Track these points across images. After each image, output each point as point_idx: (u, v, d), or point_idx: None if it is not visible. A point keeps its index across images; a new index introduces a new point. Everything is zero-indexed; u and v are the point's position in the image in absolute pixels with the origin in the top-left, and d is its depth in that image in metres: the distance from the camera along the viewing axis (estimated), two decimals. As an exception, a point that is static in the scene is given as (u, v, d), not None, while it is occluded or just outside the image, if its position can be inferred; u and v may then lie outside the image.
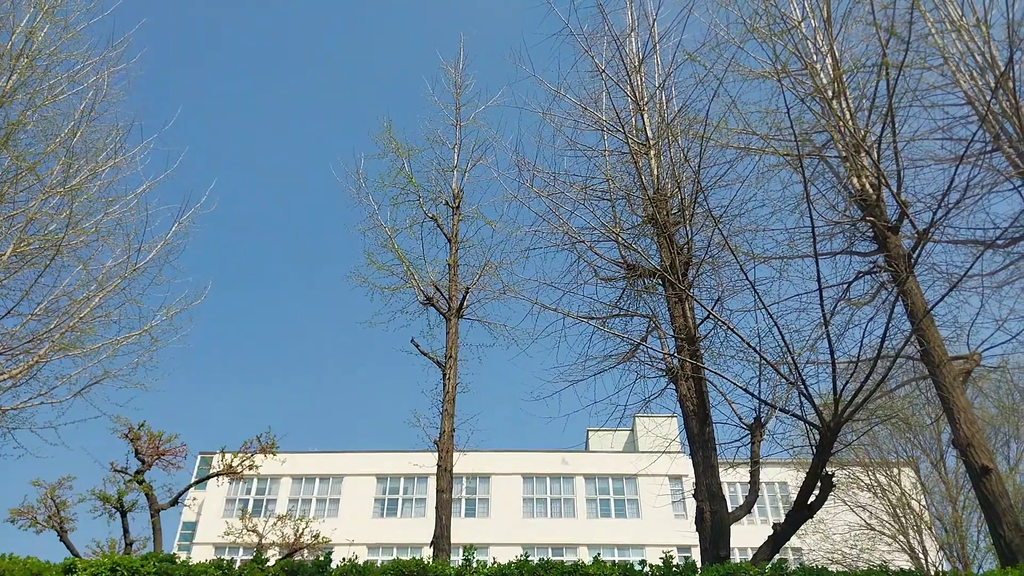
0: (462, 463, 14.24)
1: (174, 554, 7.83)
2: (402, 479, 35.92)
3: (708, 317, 9.86)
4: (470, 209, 16.10)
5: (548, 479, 36.22)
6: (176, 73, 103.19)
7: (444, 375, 13.73)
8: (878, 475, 20.60)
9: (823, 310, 8.45)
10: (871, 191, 10.19)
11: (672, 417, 22.76)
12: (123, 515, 18.10)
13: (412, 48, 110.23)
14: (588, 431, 40.46)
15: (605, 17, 11.85)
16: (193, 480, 21.25)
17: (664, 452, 18.34)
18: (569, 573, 7.48)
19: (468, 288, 14.66)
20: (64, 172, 11.33)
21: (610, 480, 35.98)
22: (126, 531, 18.20)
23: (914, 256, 9.49)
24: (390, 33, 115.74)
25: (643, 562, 7.62)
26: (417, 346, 14.56)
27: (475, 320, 15.12)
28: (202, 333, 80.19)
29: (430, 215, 15.76)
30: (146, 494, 18.05)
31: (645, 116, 11.71)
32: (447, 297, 14.68)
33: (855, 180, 10.44)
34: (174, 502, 18.51)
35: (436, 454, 13.10)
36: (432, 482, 32.31)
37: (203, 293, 12.83)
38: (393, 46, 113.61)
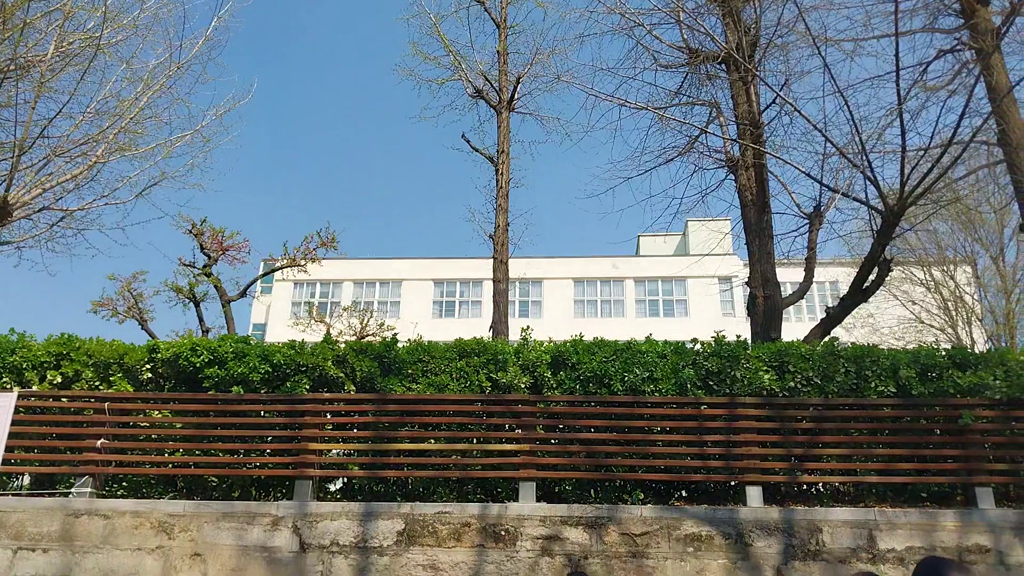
0: (515, 268, 14.57)
1: (248, 336, 8.36)
2: (458, 283, 37.29)
3: (774, 101, 9.43)
4: (519, -11, 15.16)
5: (599, 283, 37.10)
6: None
7: (497, 170, 13.71)
8: (933, 271, 20.52)
9: (898, 90, 7.97)
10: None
11: (725, 220, 22.52)
12: (196, 305, 19.38)
13: None
14: (639, 236, 40.69)
15: None
16: (260, 273, 22.32)
17: (713, 254, 18.31)
18: (622, 350, 7.73)
19: (519, 77, 14.18)
20: (96, -36, 10.99)
21: (659, 282, 36.68)
22: (201, 319, 19.59)
23: (1003, 28, 8.69)
24: None
25: (694, 340, 7.82)
26: (468, 141, 14.44)
27: (527, 114, 14.80)
28: (252, 136, 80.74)
29: (475, -3, 14.91)
30: (215, 286, 19.14)
31: None
32: (497, 88, 14.25)
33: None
34: (243, 293, 19.63)
35: (492, 250, 13.42)
36: (487, 286, 33.51)
37: (250, 92, 12.80)
38: None
